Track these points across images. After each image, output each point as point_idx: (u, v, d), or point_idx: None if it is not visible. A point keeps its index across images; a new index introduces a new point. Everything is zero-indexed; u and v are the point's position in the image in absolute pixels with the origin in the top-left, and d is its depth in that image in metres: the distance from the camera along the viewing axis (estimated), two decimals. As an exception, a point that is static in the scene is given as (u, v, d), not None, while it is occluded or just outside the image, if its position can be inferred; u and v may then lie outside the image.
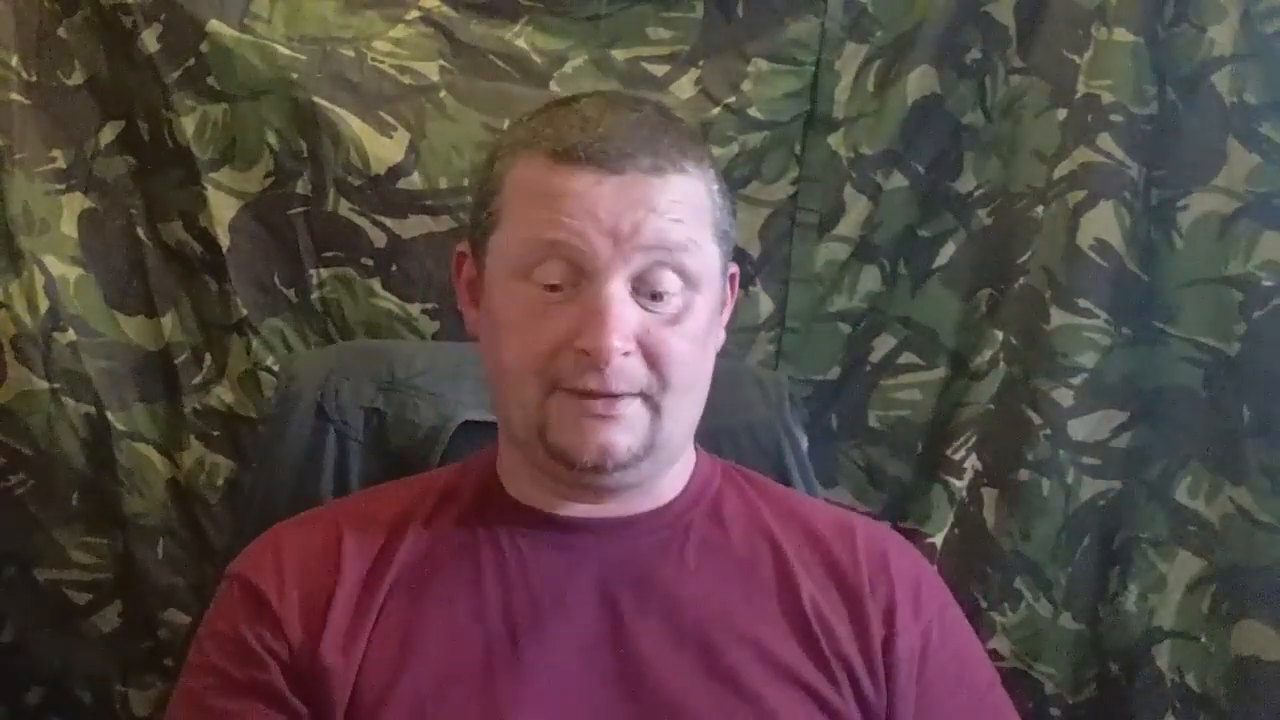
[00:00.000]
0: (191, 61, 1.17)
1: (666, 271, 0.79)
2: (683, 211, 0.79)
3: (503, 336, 0.80)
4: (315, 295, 1.20)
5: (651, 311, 0.79)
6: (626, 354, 0.77)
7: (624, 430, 0.79)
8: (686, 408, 0.82)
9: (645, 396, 0.79)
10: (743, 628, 0.81)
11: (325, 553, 0.83)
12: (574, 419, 0.79)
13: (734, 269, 0.90)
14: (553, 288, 0.78)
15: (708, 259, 0.81)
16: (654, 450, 0.81)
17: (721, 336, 0.88)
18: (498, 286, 0.81)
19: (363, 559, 0.83)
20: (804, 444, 1.10)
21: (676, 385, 0.80)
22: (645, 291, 0.79)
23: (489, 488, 0.87)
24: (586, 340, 0.76)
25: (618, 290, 0.77)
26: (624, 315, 0.77)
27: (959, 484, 1.22)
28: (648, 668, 0.79)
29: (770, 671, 0.80)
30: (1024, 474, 1.19)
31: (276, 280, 1.20)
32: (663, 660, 0.79)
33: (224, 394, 1.20)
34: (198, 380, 1.21)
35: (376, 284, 1.19)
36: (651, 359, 0.79)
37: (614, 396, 0.78)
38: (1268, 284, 1.15)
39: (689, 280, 0.80)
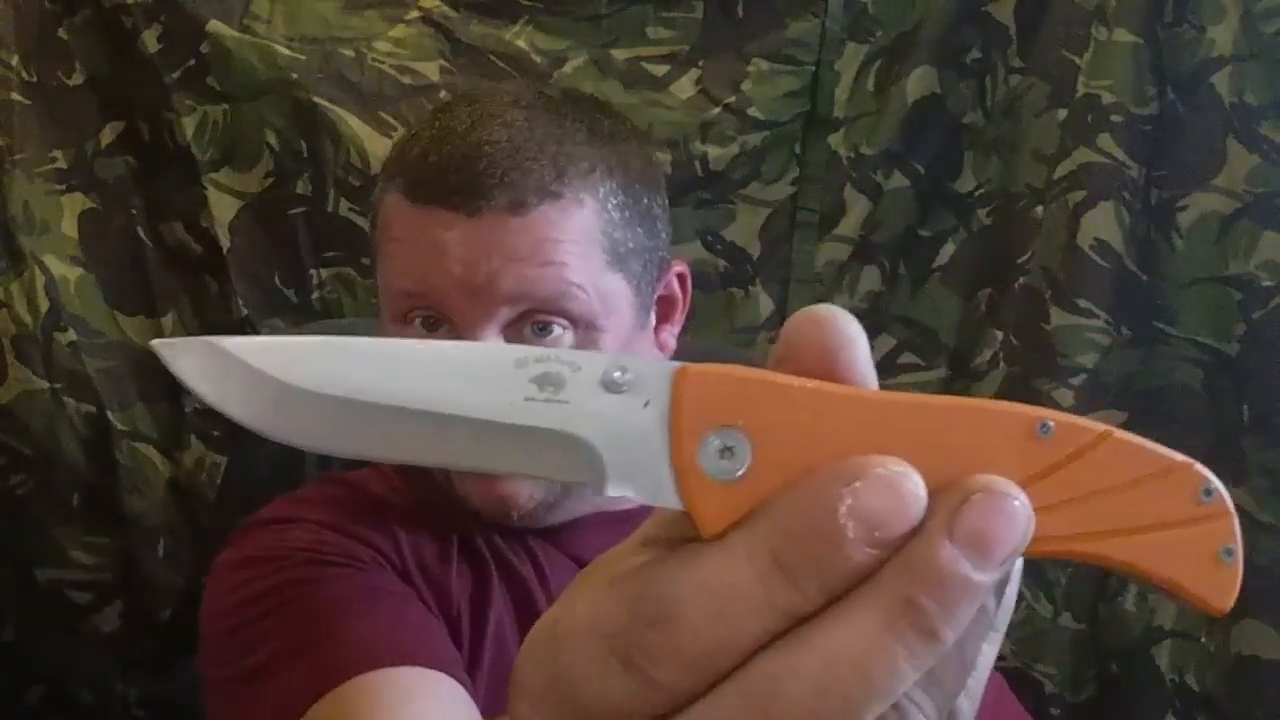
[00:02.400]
0: (192, 62, 1.17)
1: (545, 317, 0.71)
2: (555, 251, 0.70)
3: None
4: (315, 295, 1.20)
5: (539, 344, 0.71)
6: None
7: (523, 482, 0.73)
8: None
9: None
10: None
11: (369, 510, 0.77)
12: (469, 474, 0.72)
13: (680, 268, 0.82)
14: (430, 327, 0.72)
15: (601, 294, 0.72)
16: (572, 492, 0.75)
17: (671, 344, 0.82)
18: (385, 324, 0.76)
19: (409, 521, 0.77)
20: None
21: None
22: (530, 329, 0.71)
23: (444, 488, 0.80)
24: None
25: (486, 340, 0.70)
26: None
27: (959, 484, 1.22)
28: None
29: None
30: (1024, 474, 1.19)
31: (276, 280, 1.20)
32: None
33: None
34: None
35: (375, 282, 1.19)
36: None
37: None
38: (1268, 284, 1.15)
39: (577, 321, 0.72)
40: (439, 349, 0.26)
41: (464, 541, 0.78)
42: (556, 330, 0.71)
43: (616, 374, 0.25)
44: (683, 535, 0.26)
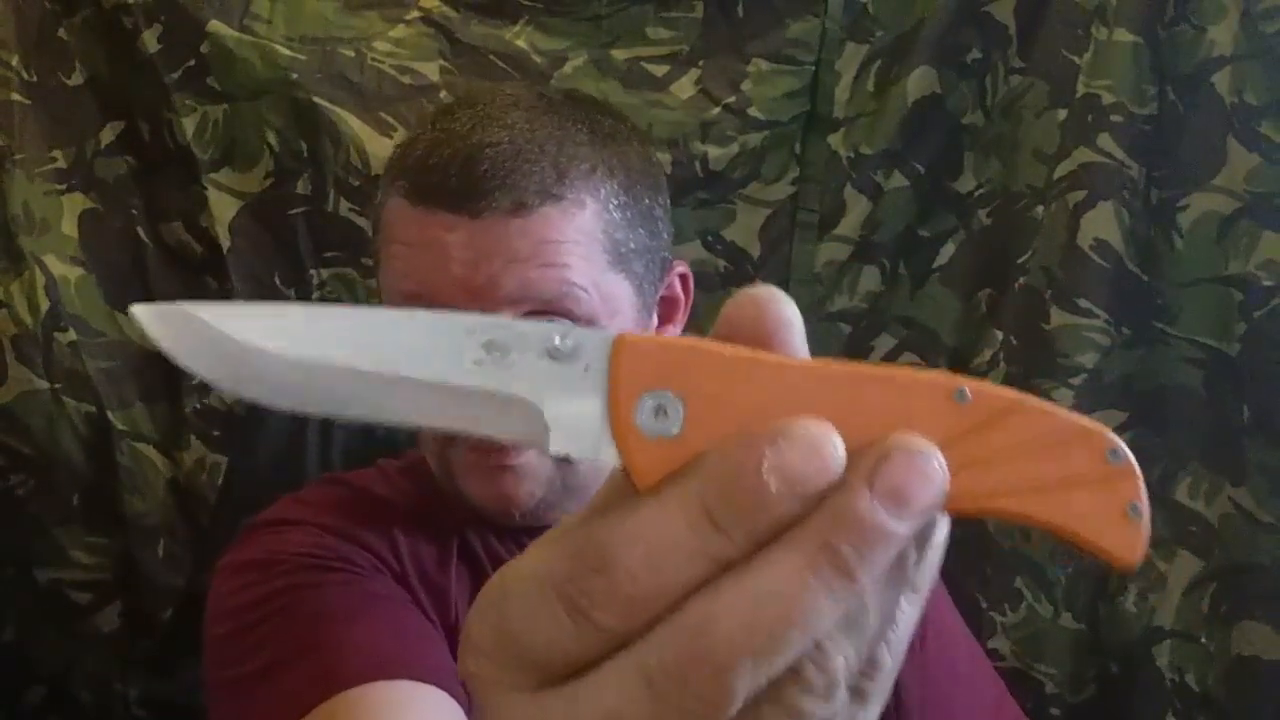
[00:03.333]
0: (192, 62, 1.17)
1: (549, 317, 0.70)
2: (556, 253, 0.70)
3: None
4: (315, 295, 1.20)
5: None
6: None
7: (524, 479, 0.73)
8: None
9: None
10: None
11: (370, 515, 0.77)
12: (472, 470, 0.73)
13: (682, 268, 0.83)
14: None
15: (604, 296, 0.73)
16: (574, 492, 0.75)
17: None
18: None
19: (409, 527, 0.77)
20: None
21: None
22: None
23: (444, 489, 0.81)
24: None
25: None
26: None
27: (959, 484, 1.22)
28: None
29: None
30: (1024, 474, 1.19)
31: (276, 280, 1.20)
32: None
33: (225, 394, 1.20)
34: (198, 380, 1.20)
35: (377, 284, 1.19)
36: None
37: (505, 448, 0.71)
38: (1268, 284, 1.15)
39: (579, 322, 0.71)
40: (395, 315, 0.28)
41: (463, 544, 0.78)
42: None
43: (558, 340, 0.27)
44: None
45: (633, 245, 0.75)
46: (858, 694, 0.28)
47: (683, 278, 0.84)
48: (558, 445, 0.27)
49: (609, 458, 0.27)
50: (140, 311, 0.28)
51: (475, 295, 0.70)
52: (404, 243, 0.72)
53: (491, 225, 0.69)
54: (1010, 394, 0.28)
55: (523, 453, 0.72)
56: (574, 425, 0.27)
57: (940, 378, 0.28)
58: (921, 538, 0.28)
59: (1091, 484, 0.27)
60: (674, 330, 0.83)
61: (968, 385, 0.27)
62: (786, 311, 0.28)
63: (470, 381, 0.27)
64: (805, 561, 0.25)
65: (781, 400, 0.27)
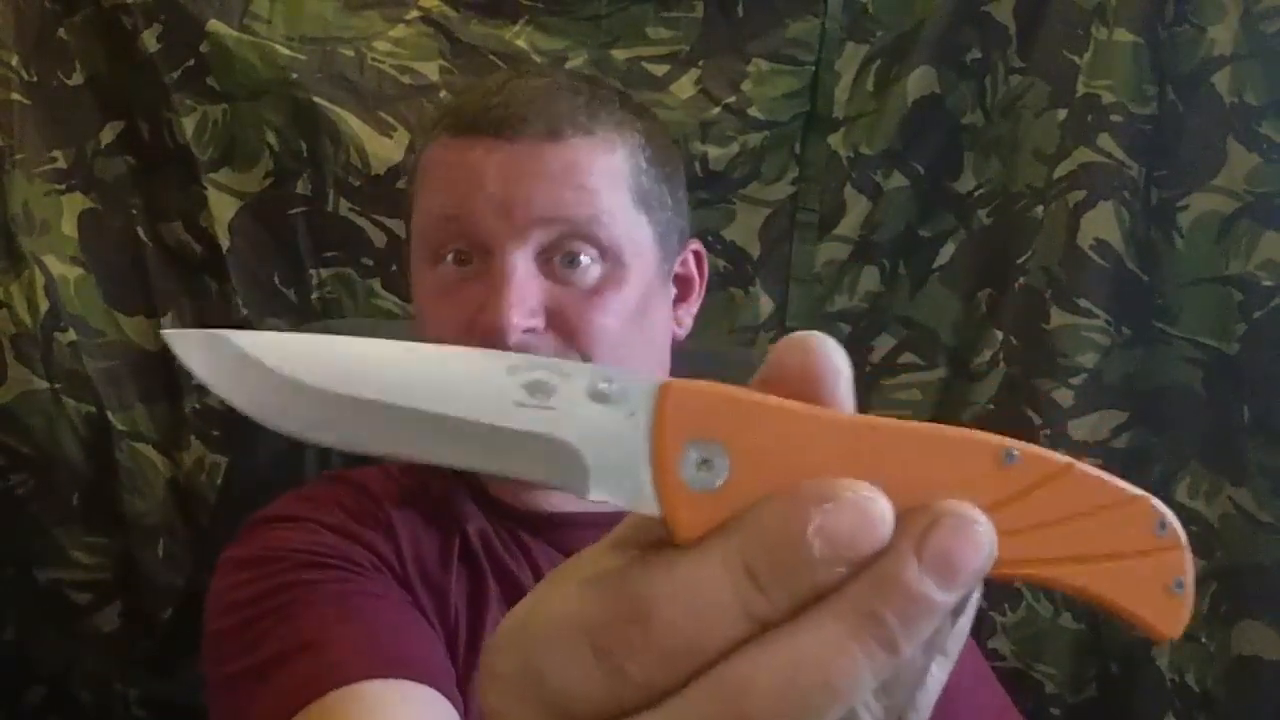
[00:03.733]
0: (191, 61, 1.17)
1: (576, 243, 0.73)
2: (587, 178, 0.73)
3: (421, 319, 0.77)
4: (315, 295, 1.20)
5: (566, 283, 0.73)
6: (530, 330, 0.72)
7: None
8: None
9: None
10: None
11: (371, 512, 0.76)
12: None
13: (695, 245, 0.85)
14: (462, 262, 0.74)
15: (628, 229, 0.75)
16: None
17: (687, 322, 0.84)
18: (415, 271, 0.77)
19: (410, 525, 0.76)
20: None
21: (604, 360, 0.73)
22: (559, 261, 0.73)
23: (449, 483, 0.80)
24: (485, 318, 0.71)
25: (517, 264, 0.71)
26: (524, 289, 0.71)
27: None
28: None
29: None
30: (1024, 474, 1.19)
31: (276, 280, 1.20)
32: None
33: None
34: (198, 380, 1.20)
35: (376, 284, 1.19)
36: (568, 335, 0.73)
37: None
38: (1268, 284, 1.15)
39: (606, 252, 0.74)
40: (437, 353, 0.27)
41: (464, 544, 0.77)
42: (584, 261, 0.73)
43: (603, 385, 0.26)
44: (654, 540, 0.27)
45: (656, 199, 0.77)
46: None
47: (697, 255, 0.85)
48: (598, 492, 0.26)
49: (650, 509, 0.26)
50: (172, 338, 0.28)
51: (508, 213, 0.72)
52: (441, 170, 0.75)
53: (527, 148, 0.72)
54: (1060, 459, 0.27)
55: None
56: (616, 472, 0.26)
57: (989, 439, 0.27)
58: (958, 606, 0.27)
59: (1137, 556, 0.27)
60: (689, 309, 0.84)
61: (1017, 448, 0.27)
62: (836, 360, 0.27)
63: (513, 423, 0.26)
64: (848, 629, 0.24)
65: (829, 457, 0.26)
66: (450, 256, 0.75)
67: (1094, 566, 0.27)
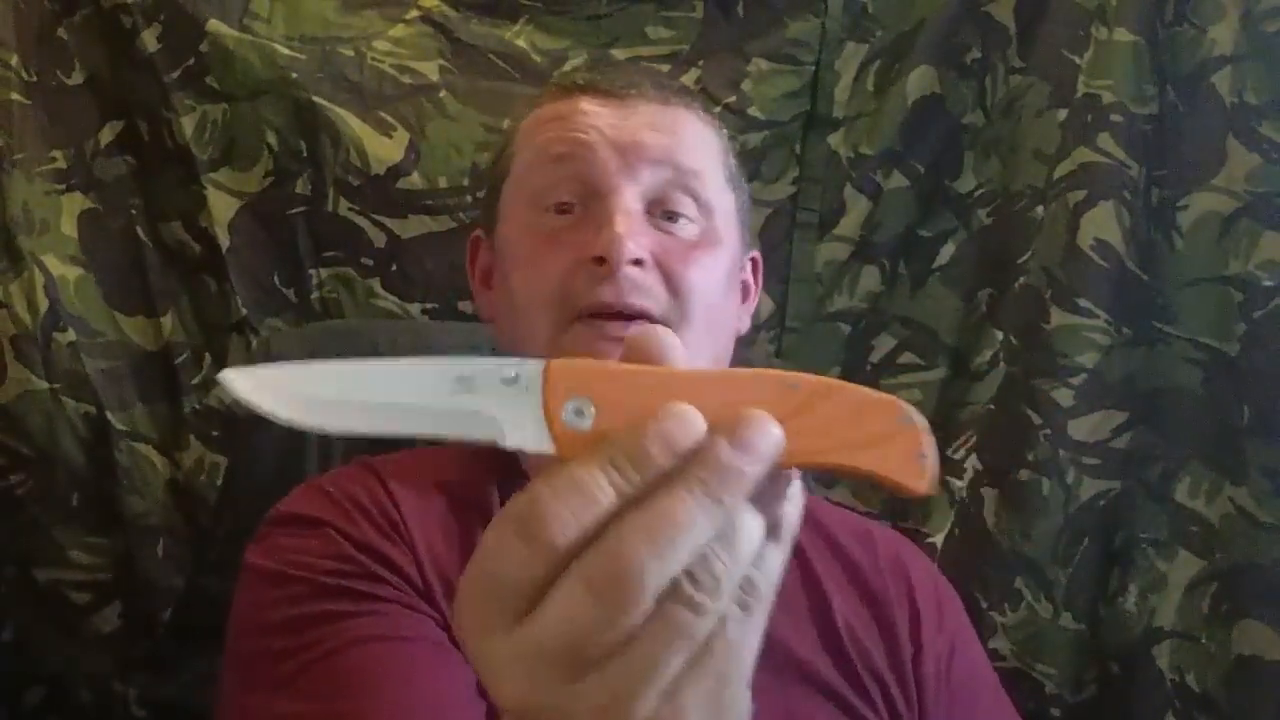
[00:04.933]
0: (191, 61, 1.17)
1: (680, 194, 0.76)
2: (691, 139, 0.77)
3: (515, 270, 0.77)
4: (315, 295, 1.20)
5: (668, 233, 0.75)
6: (639, 262, 0.73)
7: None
8: (706, 353, 0.76)
9: (660, 323, 0.72)
10: (779, 643, 0.74)
11: (391, 511, 0.75)
12: (589, 345, 0.72)
13: (754, 253, 0.87)
14: (564, 209, 0.76)
15: (721, 197, 0.79)
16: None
17: (746, 322, 0.86)
18: (510, 223, 0.79)
19: (428, 525, 0.75)
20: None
21: (696, 320, 0.74)
22: (660, 212, 0.76)
23: (501, 462, 0.79)
24: (599, 244, 0.72)
25: (629, 203, 0.74)
26: (636, 222, 0.73)
27: (959, 484, 1.22)
28: None
29: (809, 689, 0.75)
30: (1024, 474, 1.19)
31: (276, 280, 1.20)
32: None
33: (224, 394, 1.20)
34: (198, 380, 1.21)
35: (376, 284, 1.19)
36: (669, 279, 0.74)
37: (629, 318, 0.72)
38: (1268, 284, 1.15)
39: (704, 207, 0.77)
40: (396, 366, 0.40)
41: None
42: (684, 217, 0.76)
43: (509, 373, 0.39)
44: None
45: (737, 189, 0.82)
46: (743, 606, 0.38)
47: (754, 262, 0.88)
48: (512, 441, 0.38)
49: (546, 448, 0.38)
50: (231, 377, 0.39)
51: (623, 151, 0.75)
52: (553, 120, 0.77)
53: (639, 106, 0.77)
54: (828, 380, 0.39)
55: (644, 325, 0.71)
56: (522, 426, 0.38)
57: (780, 374, 0.39)
58: (775, 490, 0.39)
59: (887, 439, 0.38)
60: (748, 309, 0.87)
61: (798, 379, 0.39)
62: (667, 339, 0.40)
63: (452, 404, 0.39)
64: (685, 490, 0.36)
65: (662, 399, 0.38)
66: (552, 206, 0.76)
67: (857, 450, 0.39)
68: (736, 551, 0.37)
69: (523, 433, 0.38)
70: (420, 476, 0.79)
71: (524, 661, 0.37)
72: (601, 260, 0.72)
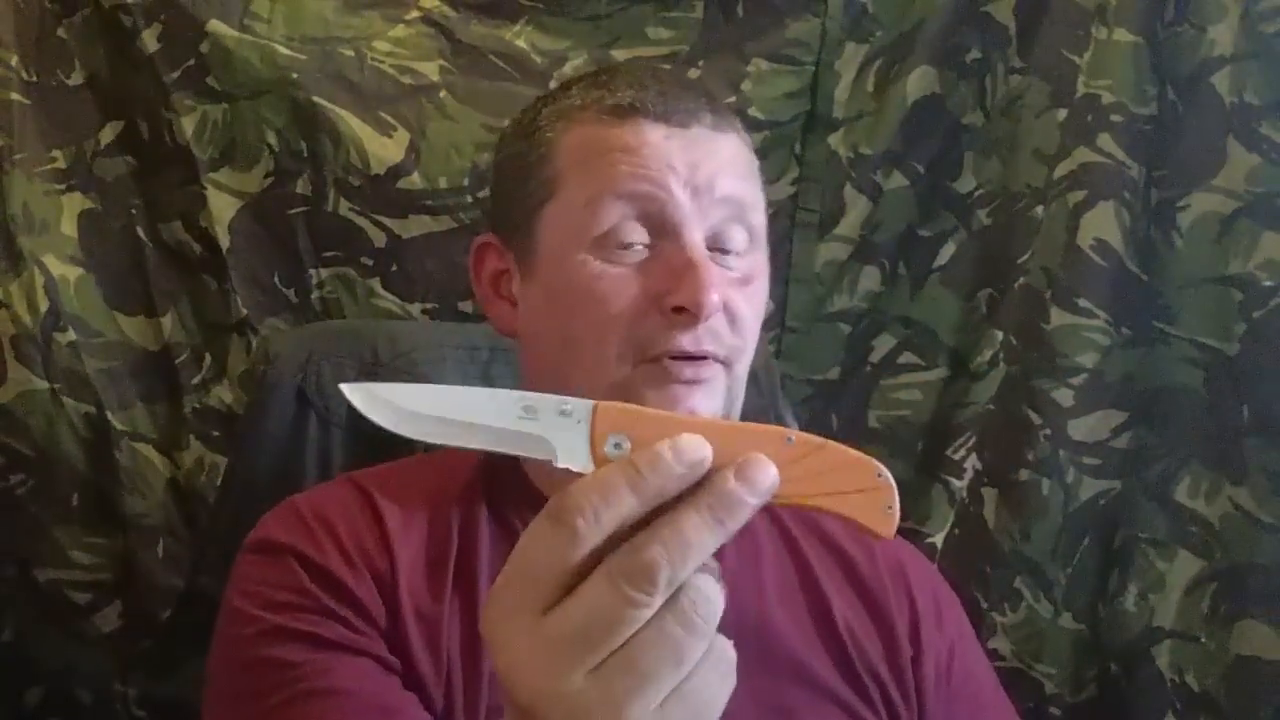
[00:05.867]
0: (191, 61, 1.17)
1: (737, 228, 0.76)
2: (745, 170, 0.78)
3: (573, 306, 0.74)
4: (315, 295, 1.20)
5: (725, 267, 0.75)
6: (717, 309, 0.73)
7: (708, 395, 0.74)
8: (744, 378, 0.77)
9: (723, 362, 0.74)
10: (779, 643, 0.77)
11: (370, 530, 0.75)
12: (660, 387, 0.72)
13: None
14: (626, 246, 0.74)
15: (762, 220, 0.79)
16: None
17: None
18: (559, 257, 0.75)
19: (411, 543, 0.75)
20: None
21: (746, 351, 0.76)
22: (717, 249, 0.75)
23: (509, 474, 0.81)
24: (684, 296, 0.71)
25: (700, 245, 0.73)
26: (715, 272, 0.73)
27: (959, 484, 1.22)
28: None
29: (808, 689, 0.76)
30: (1024, 474, 1.19)
31: (276, 280, 1.20)
32: None
33: (224, 394, 1.20)
34: (198, 380, 1.21)
35: (376, 284, 1.19)
36: (732, 319, 0.75)
37: (700, 360, 0.73)
38: (1268, 284, 1.15)
39: (755, 238, 0.78)
40: (482, 395, 0.48)
41: (460, 563, 0.76)
42: (735, 249, 0.77)
43: (565, 408, 0.47)
44: None
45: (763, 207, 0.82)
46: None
47: None
48: (562, 461, 0.46)
49: (589, 470, 0.46)
50: (351, 392, 0.48)
51: (697, 192, 0.74)
52: (618, 149, 0.75)
53: (700, 137, 0.76)
54: (820, 439, 0.46)
55: (710, 366, 0.74)
56: (571, 451, 0.47)
57: (779, 430, 0.46)
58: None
59: (863, 491, 0.46)
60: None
61: (794, 434, 0.46)
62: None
63: (517, 427, 0.47)
64: (694, 510, 0.43)
65: None
66: (614, 240, 0.74)
67: (837, 498, 0.46)
68: (712, 564, 0.44)
69: (571, 456, 0.46)
70: (406, 489, 0.79)
71: (544, 650, 0.42)
72: (682, 309, 0.71)
